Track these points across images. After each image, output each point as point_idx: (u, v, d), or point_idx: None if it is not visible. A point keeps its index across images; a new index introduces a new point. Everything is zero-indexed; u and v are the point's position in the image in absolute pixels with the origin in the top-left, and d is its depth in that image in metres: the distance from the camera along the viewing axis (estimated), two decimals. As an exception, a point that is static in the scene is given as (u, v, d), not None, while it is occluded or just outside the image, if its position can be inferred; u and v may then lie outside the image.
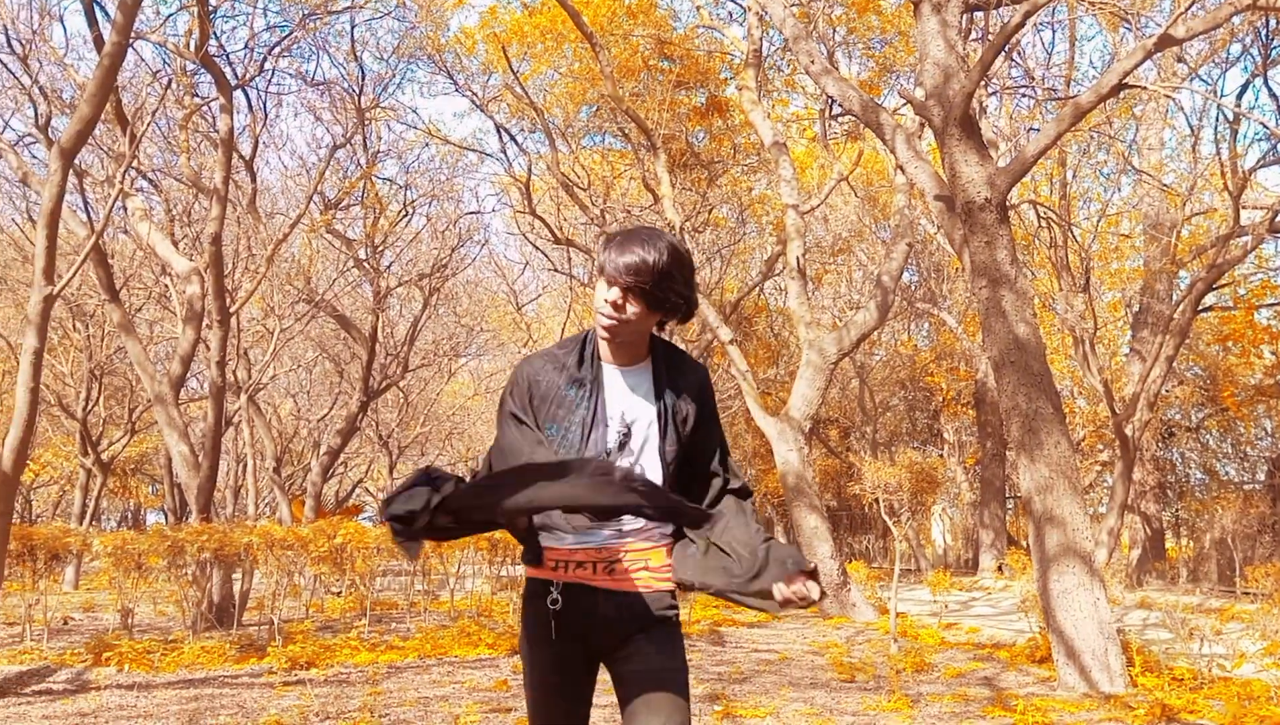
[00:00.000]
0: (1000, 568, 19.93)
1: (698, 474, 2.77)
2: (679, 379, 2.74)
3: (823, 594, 2.63)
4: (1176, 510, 20.56)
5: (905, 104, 14.64)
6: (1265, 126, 9.67)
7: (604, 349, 2.71)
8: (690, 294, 2.64)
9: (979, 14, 12.00)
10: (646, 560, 2.68)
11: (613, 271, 2.54)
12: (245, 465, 26.03)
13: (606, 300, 2.56)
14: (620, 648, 2.67)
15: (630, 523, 2.66)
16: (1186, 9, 7.62)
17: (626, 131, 19.21)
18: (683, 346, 20.33)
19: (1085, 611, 7.59)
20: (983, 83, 9.27)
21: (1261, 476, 19.79)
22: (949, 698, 7.41)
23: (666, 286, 2.56)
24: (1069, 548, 7.75)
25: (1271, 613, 6.17)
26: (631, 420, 2.68)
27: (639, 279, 2.52)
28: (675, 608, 2.72)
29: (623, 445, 2.67)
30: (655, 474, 2.67)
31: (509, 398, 2.73)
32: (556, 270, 23.23)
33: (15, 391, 7.41)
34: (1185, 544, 19.89)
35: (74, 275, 8.12)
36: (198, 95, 14.66)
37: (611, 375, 2.71)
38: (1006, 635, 11.07)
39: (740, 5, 18.35)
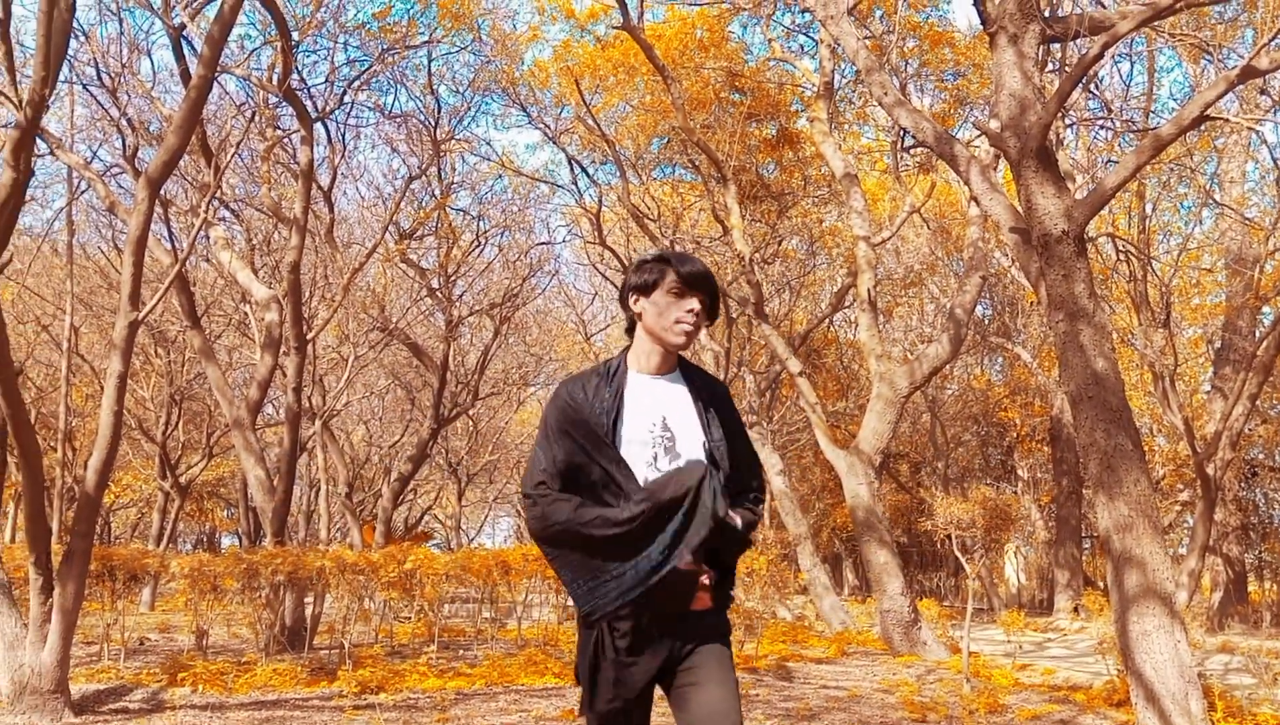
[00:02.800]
0: (1076, 609, 19.48)
1: (730, 483, 2.91)
2: (707, 389, 3.01)
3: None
4: (1260, 552, 19.93)
5: (979, 136, 14.52)
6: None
7: (640, 362, 2.96)
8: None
9: (1056, 46, 11.87)
10: (700, 579, 2.82)
11: (694, 282, 2.89)
12: (318, 490, 26.45)
13: (690, 309, 2.87)
14: (677, 666, 2.76)
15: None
16: (1270, 40, 7.47)
17: (697, 163, 19.29)
18: (751, 379, 20.27)
19: (1165, 654, 7.38)
20: (1060, 114, 9.16)
21: (1350, 519, 19.15)
22: (1023, 740, 7.25)
23: (718, 294, 2.98)
24: (1149, 589, 7.54)
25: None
26: (671, 420, 2.89)
27: (709, 286, 2.91)
28: (724, 623, 2.84)
29: (668, 448, 2.85)
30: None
31: (551, 422, 2.92)
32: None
33: (99, 415, 7.60)
34: (1269, 587, 19.25)
35: (158, 302, 8.33)
36: (279, 128, 15.03)
37: (644, 382, 2.95)
38: (1083, 677, 10.80)
39: (812, 38, 18.37)
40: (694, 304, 2.86)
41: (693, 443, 2.86)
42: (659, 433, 2.85)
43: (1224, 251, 19.04)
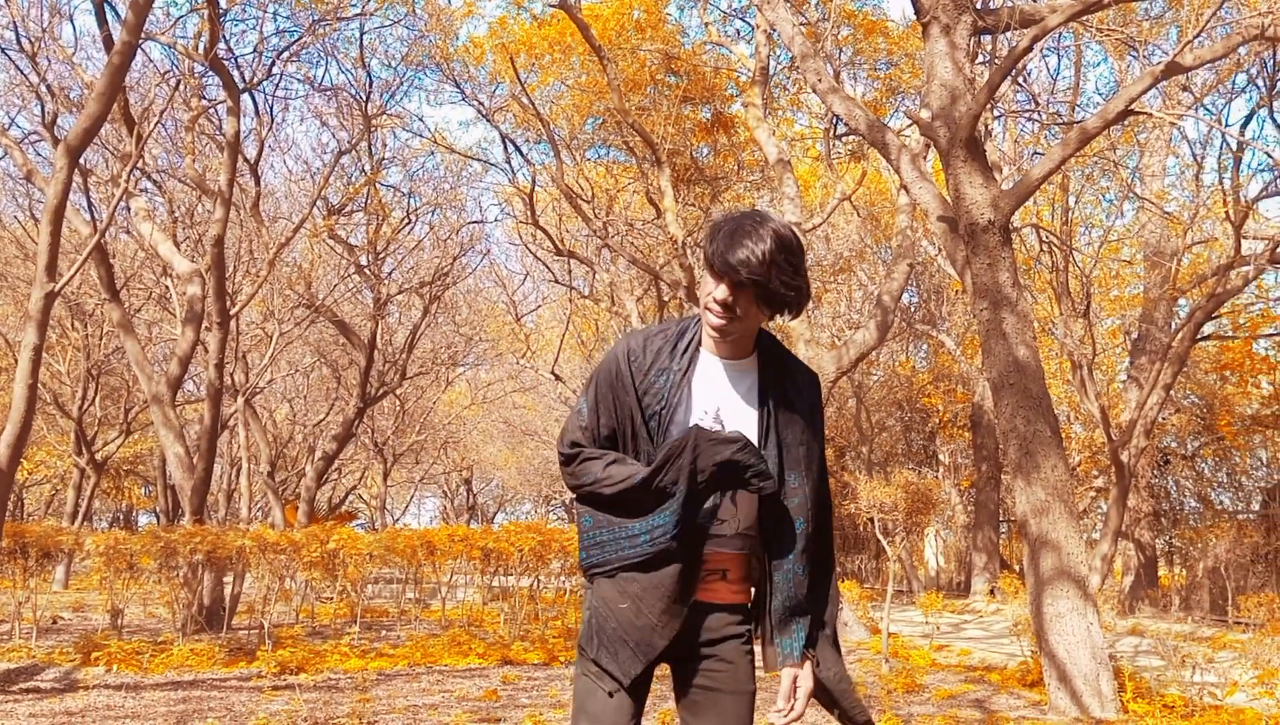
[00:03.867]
0: (992, 591, 19.89)
1: (785, 507, 2.49)
2: (789, 382, 2.52)
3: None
4: (1170, 538, 20.53)
5: (910, 125, 14.68)
6: (1270, 156, 9.69)
7: (709, 341, 2.50)
8: (802, 283, 2.38)
9: (986, 37, 12.03)
10: (725, 570, 2.49)
11: (721, 266, 2.33)
12: (239, 468, 26.02)
13: (715, 298, 2.37)
14: (687, 660, 2.50)
15: (722, 526, 2.45)
16: (1194, 37, 7.65)
17: (631, 145, 19.24)
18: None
19: (1078, 636, 7.57)
20: (989, 106, 9.29)
21: (1256, 506, 19.77)
22: (940, 719, 7.38)
23: (775, 279, 2.32)
24: (1063, 571, 7.73)
25: (1264, 642, 6.14)
26: (725, 416, 2.46)
27: (749, 273, 2.30)
28: (747, 626, 2.54)
29: None
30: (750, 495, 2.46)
31: (600, 380, 2.55)
32: (557, 281, 23.22)
33: (13, 388, 7.39)
34: (1178, 572, 19.85)
35: (76, 273, 8.11)
36: (205, 98, 14.68)
37: (711, 365, 2.50)
38: (998, 658, 11.03)
39: (748, 23, 18.41)
40: (723, 292, 2.35)
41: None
42: (710, 423, 2.45)
43: (1143, 244, 19.50)
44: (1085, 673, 7.46)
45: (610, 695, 2.43)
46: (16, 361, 7.82)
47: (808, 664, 2.45)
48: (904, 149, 9.22)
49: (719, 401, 2.46)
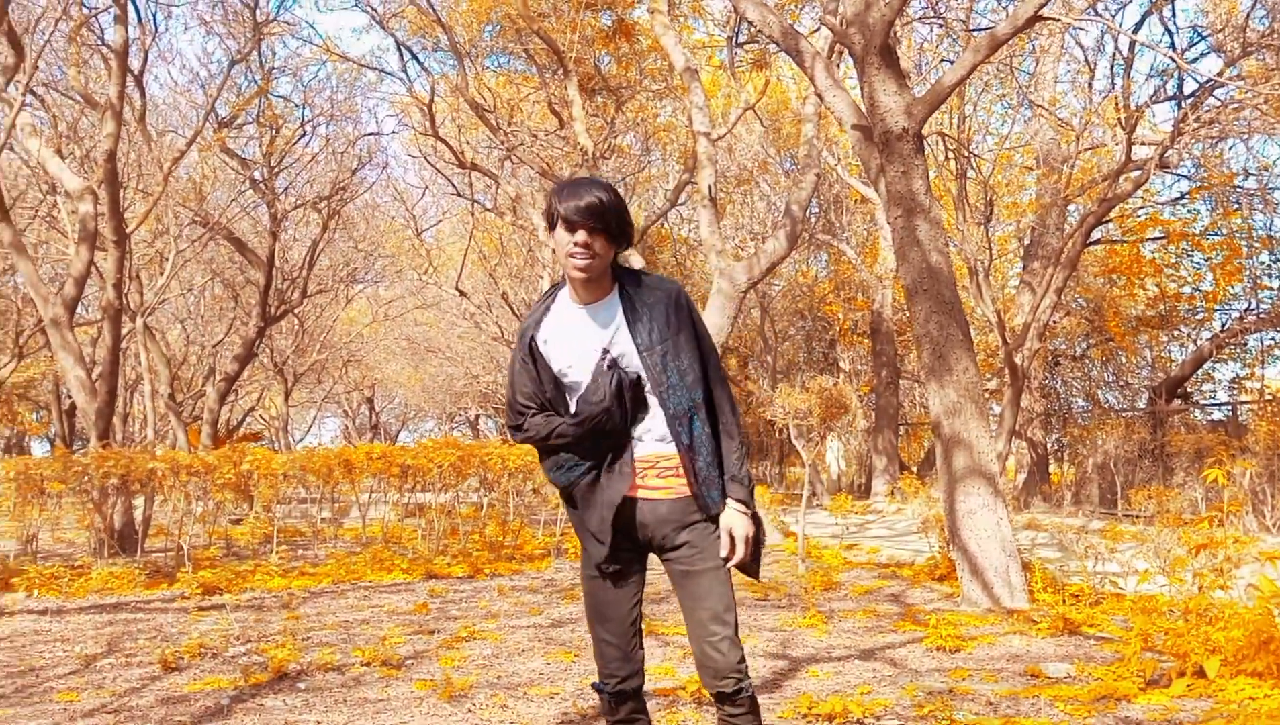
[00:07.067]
0: (893, 492, 20.57)
1: (675, 388, 3.00)
2: (647, 298, 3.02)
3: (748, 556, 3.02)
4: (1060, 437, 21.39)
5: (817, 30, 14.70)
6: (1167, 56, 9.98)
7: (573, 293, 3.02)
8: (630, 220, 2.99)
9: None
10: (677, 467, 2.99)
11: (575, 216, 2.85)
12: (133, 391, 25.34)
13: (576, 242, 2.87)
14: (664, 549, 3.03)
15: (640, 429, 3.01)
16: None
17: (532, 53, 18.91)
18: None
19: (989, 530, 7.92)
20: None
21: (1142, 404, 20.69)
22: (860, 613, 7.69)
23: (620, 220, 2.92)
24: (975, 469, 8.05)
25: (1164, 533, 6.51)
26: (614, 348, 2.98)
27: (602, 219, 2.86)
28: (701, 510, 3.00)
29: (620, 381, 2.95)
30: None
31: (517, 350, 3.11)
32: (459, 195, 22.86)
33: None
34: (1068, 469, 20.74)
35: (-32, 190, 7.72)
36: (86, 6, 13.96)
37: (577, 314, 3.02)
38: (905, 555, 11.47)
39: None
40: (581, 236, 2.86)
41: (637, 363, 2.98)
42: (601, 359, 2.96)
43: (1036, 151, 19.97)
44: (996, 565, 7.82)
45: (603, 579, 3.06)
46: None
47: (730, 509, 2.97)
48: (818, 56, 9.26)
49: (600, 340, 2.98)
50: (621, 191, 22.20)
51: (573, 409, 3.01)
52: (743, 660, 2.95)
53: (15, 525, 11.00)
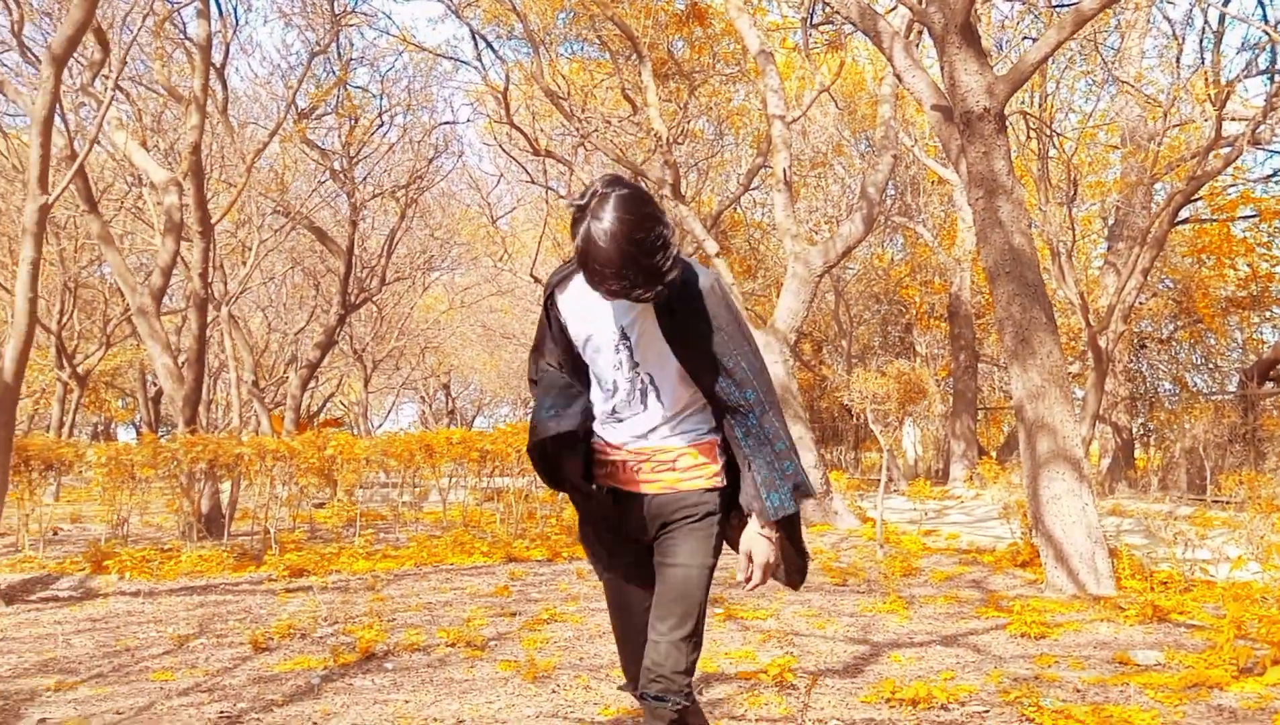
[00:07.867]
0: (971, 477, 20.29)
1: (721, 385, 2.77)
2: (681, 290, 2.70)
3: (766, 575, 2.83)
4: (1146, 421, 20.91)
5: (893, 9, 14.48)
6: (1260, 29, 9.66)
7: None
8: (665, 233, 2.50)
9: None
10: (674, 462, 2.83)
11: (593, 284, 2.53)
12: (218, 379, 25.95)
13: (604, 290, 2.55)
14: (653, 539, 2.87)
15: (650, 424, 2.82)
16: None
17: (605, 39, 18.90)
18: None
19: (1074, 516, 7.78)
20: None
21: (1232, 387, 20.13)
22: (942, 599, 7.61)
23: (638, 275, 2.47)
24: (1059, 453, 7.91)
25: (1257, 519, 6.35)
26: (631, 330, 2.76)
27: (617, 289, 2.49)
28: (704, 506, 2.82)
29: (635, 365, 2.79)
30: (668, 378, 2.78)
31: (544, 310, 2.95)
32: (533, 182, 22.97)
33: (13, 302, 7.31)
34: (1154, 454, 20.26)
35: (67, 185, 7.96)
36: (170, 1, 14.25)
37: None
38: (985, 541, 11.32)
39: (722, -90, 17.96)
40: (600, 295, 2.57)
41: (655, 353, 2.76)
42: (619, 341, 2.78)
43: (1120, 129, 19.49)
44: (1081, 551, 7.69)
45: (615, 578, 2.96)
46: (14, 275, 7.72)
47: (752, 530, 2.78)
48: (896, 36, 9.13)
49: (620, 320, 2.75)
50: (694, 177, 22.23)
51: (593, 387, 2.89)
52: (684, 673, 2.66)
53: (106, 509, 11.34)
